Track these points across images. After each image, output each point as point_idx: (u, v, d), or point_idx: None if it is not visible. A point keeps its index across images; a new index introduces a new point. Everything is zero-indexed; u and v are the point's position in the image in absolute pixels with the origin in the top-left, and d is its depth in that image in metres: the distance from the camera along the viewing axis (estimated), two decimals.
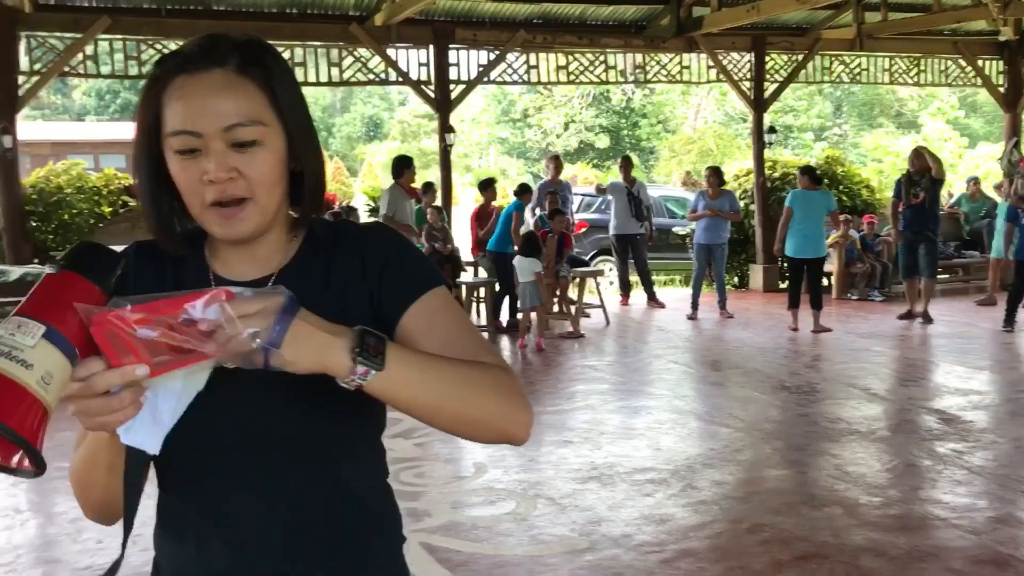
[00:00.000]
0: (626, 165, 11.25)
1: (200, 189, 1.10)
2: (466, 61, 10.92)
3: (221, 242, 1.19)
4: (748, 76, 12.15)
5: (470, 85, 10.98)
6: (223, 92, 1.10)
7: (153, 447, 1.04)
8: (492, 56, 10.97)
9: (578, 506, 4.51)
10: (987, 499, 4.57)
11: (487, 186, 10.40)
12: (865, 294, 11.37)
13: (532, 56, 11.37)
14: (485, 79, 11.13)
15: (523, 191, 10.08)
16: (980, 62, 13.27)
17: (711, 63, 11.93)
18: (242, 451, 1.16)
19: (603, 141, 33.39)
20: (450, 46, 10.72)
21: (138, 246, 1.25)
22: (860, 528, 4.20)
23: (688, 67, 12.12)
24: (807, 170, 9.59)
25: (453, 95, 10.83)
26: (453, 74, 10.81)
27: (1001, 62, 13.37)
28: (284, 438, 1.17)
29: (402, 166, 9.06)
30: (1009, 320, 9.07)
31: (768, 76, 12.28)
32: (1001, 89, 13.43)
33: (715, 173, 10.32)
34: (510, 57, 11.17)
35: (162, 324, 0.92)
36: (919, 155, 9.57)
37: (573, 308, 9.61)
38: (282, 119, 1.14)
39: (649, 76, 12.19)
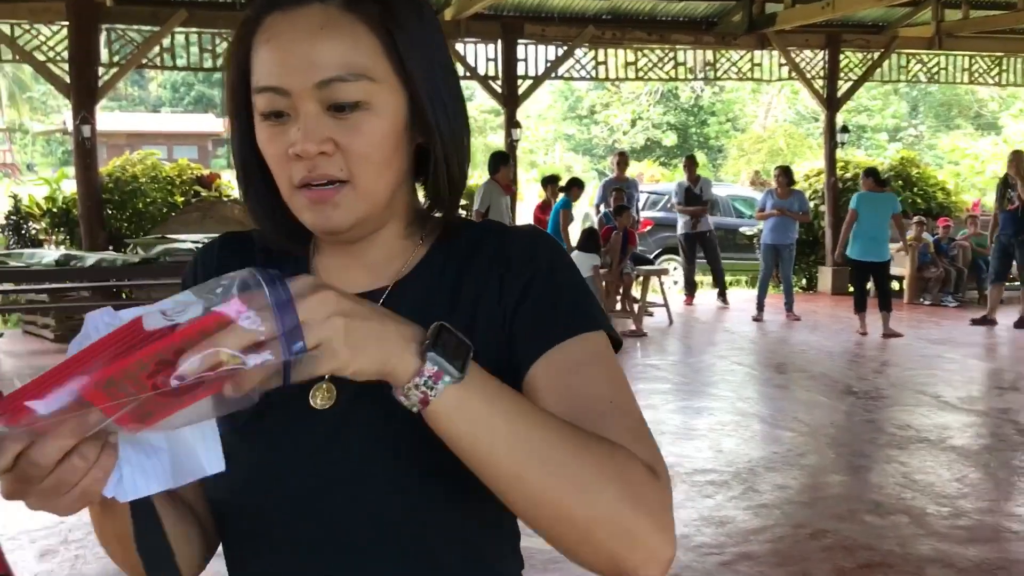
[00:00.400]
0: (690, 164, 11.25)
1: (288, 165, 0.84)
2: (534, 56, 10.91)
3: (324, 240, 0.94)
4: (821, 74, 11.92)
5: (537, 80, 10.98)
6: (319, 35, 0.81)
7: (164, 482, 0.71)
8: (560, 52, 10.94)
9: None
10: None
11: (550, 182, 10.38)
12: (938, 299, 11.07)
13: (600, 52, 11.31)
14: (553, 75, 11.11)
15: (571, 185, 9.97)
16: None
17: (783, 60, 11.73)
18: (305, 542, 0.87)
19: (670, 139, 33.08)
20: (518, 41, 10.73)
21: (223, 239, 1.01)
22: (927, 538, 4.09)
23: (759, 64, 11.93)
24: (871, 172, 9.40)
25: (520, 90, 10.84)
26: (521, 69, 10.81)
27: None
28: (373, 526, 0.85)
29: (499, 162, 8.85)
30: None
31: (842, 74, 12.03)
32: None
33: (784, 172, 10.16)
34: (578, 53, 11.13)
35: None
36: (1015, 158, 9.40)
37: (636, 306, 9.55)
38: (403, 74, 0.85)
39: (719, 73, 12.04)
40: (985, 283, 10.57)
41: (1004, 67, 12.96)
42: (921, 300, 11.15)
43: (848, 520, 4.31)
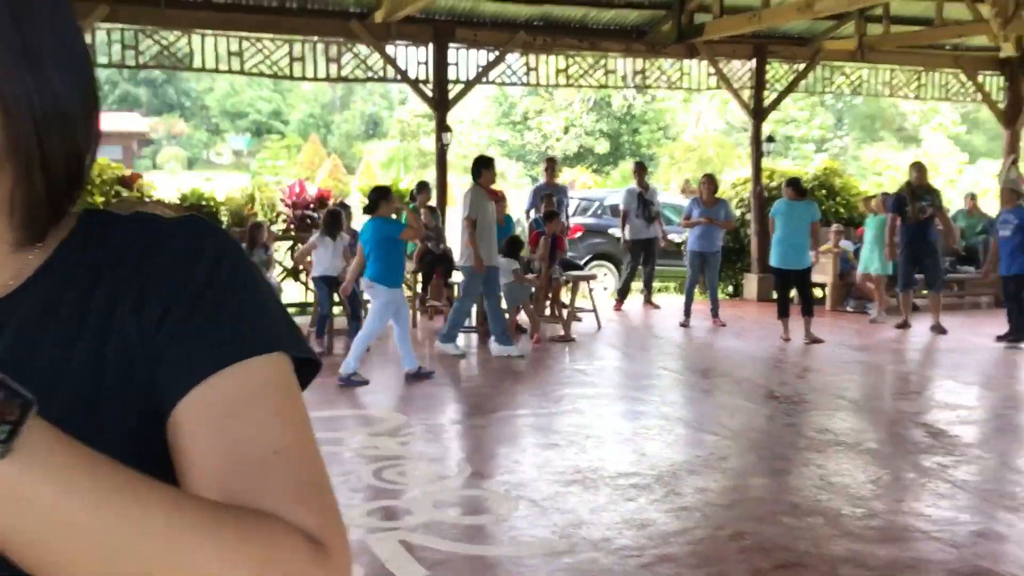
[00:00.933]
0: (640, 171, 11.54)
1: None
2: (465, 61, 10.89)
3: None
4: (748, 84, 12.14)
5: (469, 85, 10.96)
6: None
7: None
8: (492, 57, 10.94)
9: (560, 509, 4.48)
10: (969, 513, 4.55)
11: None
12: (860, 306, 11.35)
13: (532, 58, 11.35)
14: (484, 79, 11.11)
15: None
16: (981, 78, 13.25)
17: (711, 70, 11.91)
18: None
19: (603, 146, 33.45)
20: (450, 45, 10.70)
21: None
22: (841, 538, 4.17)
23: (688, 74, 12.10)
24: (792, 181, 9.61)
25: (452, 95, 10.81)
26: (452, 73, 10.78)
27: (1002, 78, 13.35)
28: None
29: (481, 166, 8.44)
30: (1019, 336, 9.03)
31: (768, 85, 12.26)
32: (1001, 106, 13.41)
33: (711, 180, 10.35)
34: (510, 58, 11.15)
35: None
36: (921, 170, 9.72)
37: (565, 312, 9.59)
38: None
39: (649, 81, 12.17)
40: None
41: (923, 81, 13.36)
42: (844, 307, 11.41)
43: (766, 522, 4.38)
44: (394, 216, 7.60)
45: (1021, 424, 6.49)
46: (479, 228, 8.03)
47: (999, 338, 9.00)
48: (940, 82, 13.47)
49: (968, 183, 23.85)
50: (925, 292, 10.45)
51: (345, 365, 7.09)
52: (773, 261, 9.30)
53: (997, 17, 8.87)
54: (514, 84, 11.94)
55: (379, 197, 7.45)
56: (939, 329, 9.68)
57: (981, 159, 29.90)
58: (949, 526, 4.34)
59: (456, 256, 8.33)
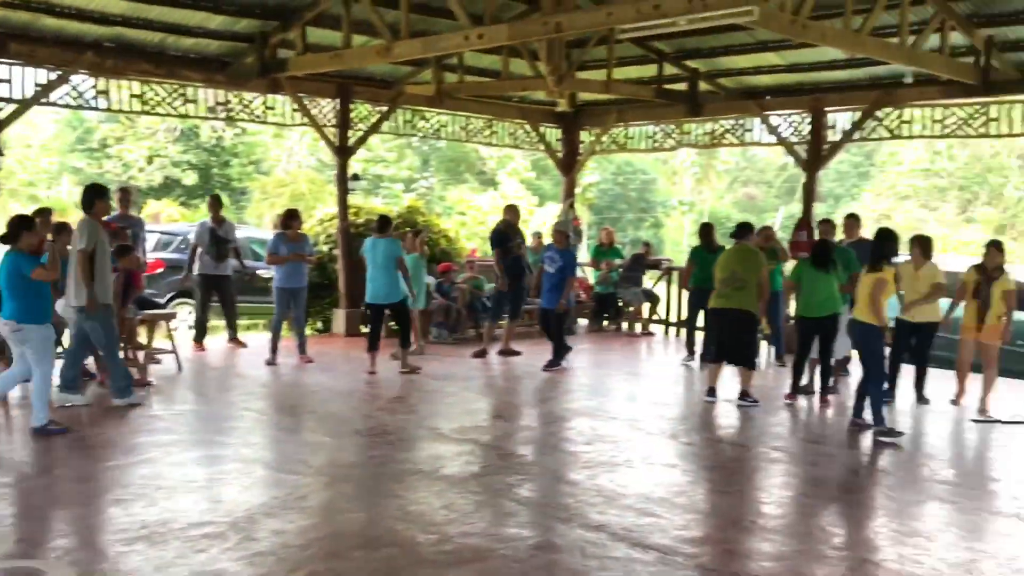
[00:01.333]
0: (215, 204, 11.06)
1: None
2: (20, 79, 9.78)
3: None
4: (333, 122, 12.28)
5: (25, 105, 9.85)
6: None
7: None
8: (53, 76, 9.95)
9: (120, 570, 4.09)
10: (530, 528, 4.91)
11: (41, 215, 9.30)
12: (439, 336, 11.94)
13: (102, 81, 10.49)
14: (43, 100, 10.05)
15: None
16: (543, 129, 14.70)
17: (296, 106, 11.89)
18: None
19: (191, 178, 32.06)
20: (1, 60, 9.55)
21: None
22: (414, 567, 4.28)
23: (273, 108, 11.96)
24: (379, 219, 9.91)
25: (3, 115, 9.62)
26: (4, 91, 9.61)
27: (560, 131, 14.90)
28: None
29: (94, 195, 7.50)
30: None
31: (354, 124, 12.50)
32: (560, 155, 14.96)
33: (295, 216, 10.28)
34: (75, 79, 10.21)
35: None
36: (516, 211, 10.56)
37: (141, 354, 8.93)
38: None
39: (233, 114, 11.83)
40: (482, 321, 11.70)
41: (495, 129, 14.49)
42: (431, 338, 11.90)
43: (342, 558, 4.36)
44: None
45: (569, 438, 7.12)
46: (96, 263, 7.31)
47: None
48: (509, 131, 14.70)
49: (537, 223, 26.27)
50: (502, 322, 11.23)
51: (35, 418, 6.63)
52: (367, 297, 9.52)
53: (552, 75, 9.85)
54: (80, 108, 10.94)
55: (22, 227, 6.62)
56: (510, 352, 10.56)
57: (549, 202, 33.14)
58: (513, 542, 4.64)
59: (69, 296, 7.38)
